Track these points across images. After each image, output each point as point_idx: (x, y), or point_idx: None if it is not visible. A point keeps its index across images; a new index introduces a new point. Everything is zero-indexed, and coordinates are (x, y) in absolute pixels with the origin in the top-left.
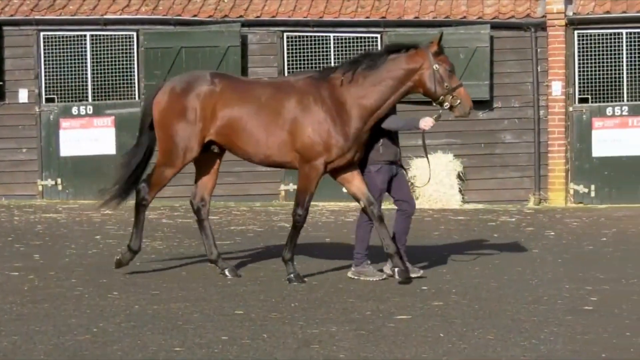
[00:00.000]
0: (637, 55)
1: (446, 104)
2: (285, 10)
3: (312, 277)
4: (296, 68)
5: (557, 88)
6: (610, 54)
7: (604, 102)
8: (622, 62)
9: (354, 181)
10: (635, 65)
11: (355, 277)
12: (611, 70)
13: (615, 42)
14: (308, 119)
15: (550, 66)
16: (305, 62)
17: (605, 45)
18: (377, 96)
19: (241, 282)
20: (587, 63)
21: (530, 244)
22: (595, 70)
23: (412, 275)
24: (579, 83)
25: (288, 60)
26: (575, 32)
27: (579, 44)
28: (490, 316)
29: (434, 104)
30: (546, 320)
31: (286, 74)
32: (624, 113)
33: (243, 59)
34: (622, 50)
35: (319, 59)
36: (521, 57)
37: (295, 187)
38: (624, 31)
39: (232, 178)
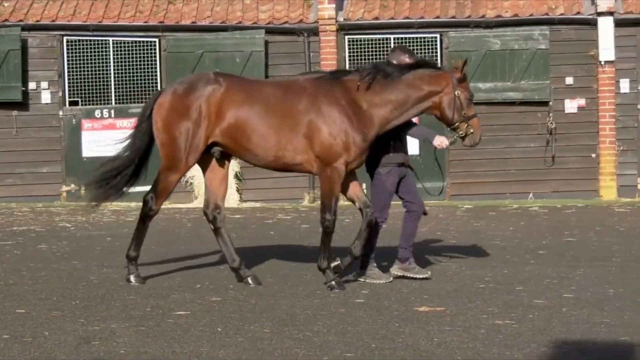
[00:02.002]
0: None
1: (460, 132)
2: (64, 15)
3: (93, 275)
4: (77, 72)
5: None
6: (379, 57)
7: None
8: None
9: (351, 186)
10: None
11: (400, 274)
12: None
13: (383, 46)
14: (324, 121)
15: (323, 69)
16: (85, 65)
17: (374, 49)
18: (392, 107)
19: (22, 281)
20: (357, 66)
21: (306, 240)
22: None
23: (420, 275)
24: None
25: (68, 64)
26: (346, 37)
27: (349, 48)
28: (266, 310)
29: (448, 129)
30: (320, 313)
31: (66, 78)
32: None
33: (23, 63)
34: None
35: (99, 62)
36: (295, 60)
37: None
38: (392, 36)
39: (14, 179)
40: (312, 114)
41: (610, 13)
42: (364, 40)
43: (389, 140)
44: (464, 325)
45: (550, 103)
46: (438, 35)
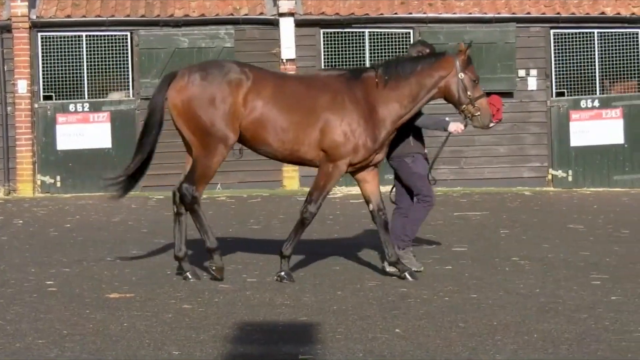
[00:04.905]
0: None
1: (468, 114)
2: None
3: None
4: None
5: (22, 86)
6: (71, 55)
7: (66, 99)
8: (83, 62)
9: (371, 182)
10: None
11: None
12: (73, 70)
13: (75, 44)
14: (340, 119)
15: (16, 66)
16: None
17: (66, 46)
18: (407, 100)
19: None
20: (50, 63)
21: (0, 232)
22: (59, 71)
23: (414, 269)
24: (43, 82)
25: None
26: (39, 34)
27: (42, 45)
28: None
29: (458, 112)
30: (12, 302)
31: None
32: (85, 109)
33: None
34: (83, 51)
35: None
36: None
37: None
38: (84, 34)
39: None
40: (330, 111)
41: (291, 14)
42: (57, 38)
43: (408, 132)
44: (152, 310)
45: None
46: (129, 34)
